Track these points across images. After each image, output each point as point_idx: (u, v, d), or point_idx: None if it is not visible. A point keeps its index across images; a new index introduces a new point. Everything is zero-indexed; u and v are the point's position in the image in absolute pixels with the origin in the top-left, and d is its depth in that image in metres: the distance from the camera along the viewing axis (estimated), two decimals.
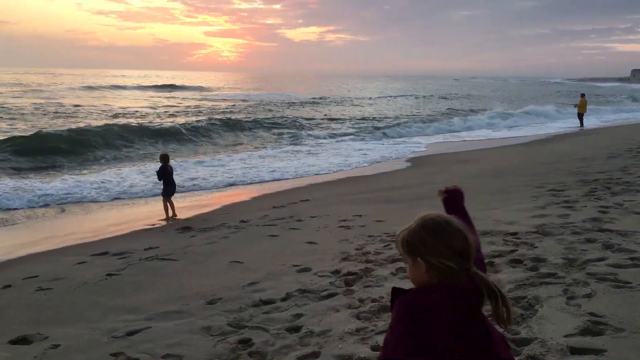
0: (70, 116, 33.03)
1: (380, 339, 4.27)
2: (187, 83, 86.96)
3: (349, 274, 6.09)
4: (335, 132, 29.03)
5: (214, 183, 15.24)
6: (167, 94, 61.85)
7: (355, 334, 4.42)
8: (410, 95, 68.81)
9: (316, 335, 4.49)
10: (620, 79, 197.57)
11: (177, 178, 12.30)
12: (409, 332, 1.77)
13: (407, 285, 2.06)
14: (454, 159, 18.76)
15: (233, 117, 32.67)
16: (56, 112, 34.58)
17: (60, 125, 26.99)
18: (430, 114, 40.22)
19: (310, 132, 28.65)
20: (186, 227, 9.76)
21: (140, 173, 16.12)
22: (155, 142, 24.00)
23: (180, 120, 31.50)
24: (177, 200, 11.92)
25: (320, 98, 55.94)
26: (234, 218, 10.34)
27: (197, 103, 48.55)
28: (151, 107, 41.67)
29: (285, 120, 32.72)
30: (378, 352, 3.98)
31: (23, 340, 4.84)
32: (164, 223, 10.64)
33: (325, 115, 38.87)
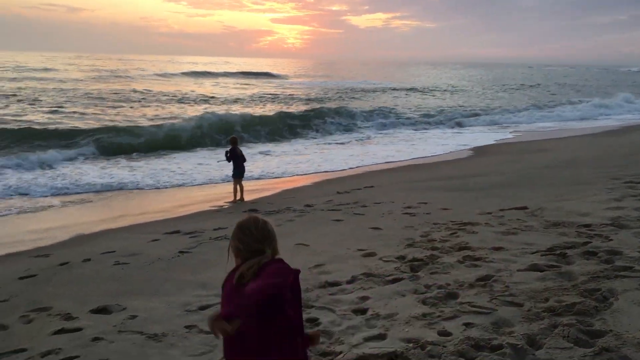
0: (225, 102, 34.99)
1: (447, 325, 4.26)
2: (265, 70, 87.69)
3: (415, 260, 6.07)
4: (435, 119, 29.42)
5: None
6: (262, 82, 62.92)
7: (421, 319, 4.41)
8: (504, 85, 65.87)
9: (382, 318, 4.53)
10: None
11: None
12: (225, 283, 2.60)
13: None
14: (528, 149, 18.19)
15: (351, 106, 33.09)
16: (204, 100, 36.34)
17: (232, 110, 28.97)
18: (536, 102, 39.42)
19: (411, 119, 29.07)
20: (253, 209, 9.98)
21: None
22: (303, 127, 24.89)
23: (302, 107, 32.67)
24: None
25: (411, 89, 54.09)
26: (299, 202, 10.48)
27: (300, 91, 49.53)
28: (275, 94, 43.01)
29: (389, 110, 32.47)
30: (445, 337, 3.98)
31: (103, 310, 5.14)
32: (231, 204, 10.94)
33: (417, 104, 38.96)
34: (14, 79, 43.98)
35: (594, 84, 72.59)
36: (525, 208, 8.45)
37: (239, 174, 11.41)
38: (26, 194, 11.72)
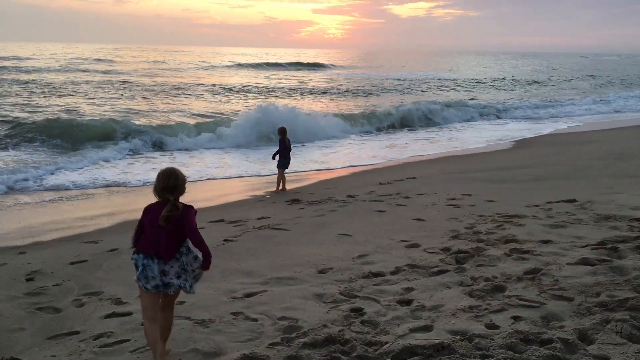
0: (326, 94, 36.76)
1: (495, 318, 4.19)
2: (315, 61, 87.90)
3: (460, 252, 5.99)
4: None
5: None
6: (326, 73, 63.69)
7: (468, 311, 4.35)
8: (590, 76, 63.30)
9: (428, 310, 4.48)
10: None
11: None
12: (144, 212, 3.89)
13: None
14: (576, 140, 17.70)
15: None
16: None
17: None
18: None
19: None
20: (295, 199, 10.03)
21: None
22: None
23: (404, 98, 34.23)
24: None
25: (477, 81, 52.87)
26: (340, 193, 10.48)
27: (379, 81, 50.48)
28: (370, 87, 44.17)
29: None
30: (493, 330, 3.92)
31: None
32: (272, 194, 11.03)
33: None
34: (125, 77, 44.91)
35: None
36: (574, 201, 8.22)
37: (283, 164, 11.46)
38: None
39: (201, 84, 39.55)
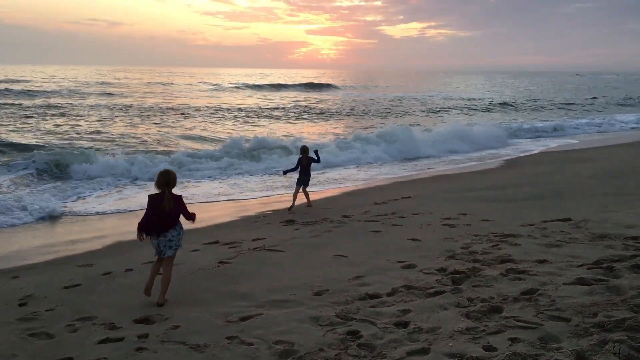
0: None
1: (492, 340, 4.16)
2: (323, 81, 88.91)
3: (456, 272, 5.97)
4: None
5: None
6: (338, 94, 64.71)
7: (465, 333, 4.32)
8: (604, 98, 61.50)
9: (425, 332, 4.45)
10: None
11: None
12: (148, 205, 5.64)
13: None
14: (568, 158, 17.80)
15: None
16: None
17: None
18: None
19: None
20: (290, 220, 10.01)
21: None
22: None
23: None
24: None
25: (503, 103, 52.24)
26: (336, 213, 10.47)
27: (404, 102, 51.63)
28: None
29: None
30: (491, 352, 3.89)
31: (146, 320, 5.20)
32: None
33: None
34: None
35: None
36: (569, 220, 8.23)
37: (300, 182, 11.73)
38: None
39: (262, 109, 40.26)
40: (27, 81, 61.69)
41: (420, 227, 8.56)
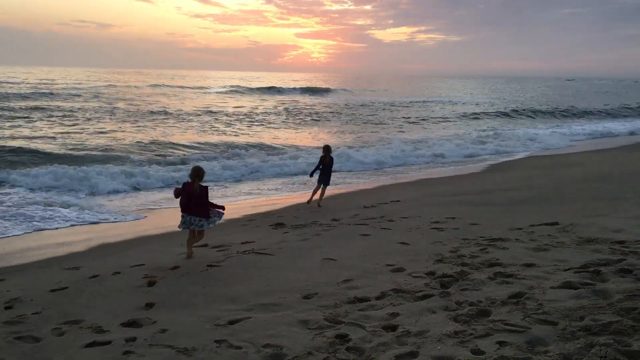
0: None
1: (480, 343, 4.18)
2: (317, 85, 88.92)
3: (445, 276, 5.99)
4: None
5: None
6: (343, 97, 65.14)
7: (453, 337, 4.34)
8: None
9: (413, 335, 4.46)
10: None
11: None
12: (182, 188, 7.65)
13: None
14: (558, 162, 17.93)
15: None
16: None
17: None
18: None
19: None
20: (279, 223, 10.00)
21: None
22: None
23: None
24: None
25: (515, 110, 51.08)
26: (325, 216, 10.48)
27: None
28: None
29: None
30: (478, 356, 3.91)
31: (134, 324, 5.16)
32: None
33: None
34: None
35: None
36: (556, 224, 8.30)
37: (321, 180, 12.18)
38: None
39: (272, 112, 40.29)
40: (18, 83, 61.19)
41: (409, 231, 8.59)
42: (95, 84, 70.53)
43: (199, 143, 23.93)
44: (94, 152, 20.21)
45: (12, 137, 22.96)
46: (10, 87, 52.69)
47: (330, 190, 14.50)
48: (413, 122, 38.23)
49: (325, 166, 12.09)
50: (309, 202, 11.92)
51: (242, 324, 4.95)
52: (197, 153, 21.09)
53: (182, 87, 73.51)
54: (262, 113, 40.91)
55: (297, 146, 24.15)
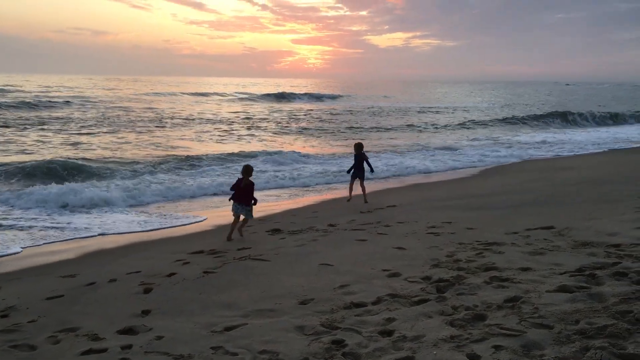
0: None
1: (476, 347, 4.19)
2: (323, 91, 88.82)
3: (441, 280, 6.00)
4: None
5: None
6: (350, 102, 65.42)
7: (449, 341, 4.34)
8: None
9: (409, 340, 4.46)
10: None
11: None
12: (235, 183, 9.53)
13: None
14: (553, 166, 17.98)
15: None
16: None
17: None
18: None
19: None
20: (276, 229, 10.00)
21: None
22: None
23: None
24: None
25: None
26: (321, 221, 10.48)
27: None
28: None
29: None
30: None
31: (130, 331, 5.15)
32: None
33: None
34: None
35: None
36: (552, 227, 8.32)
37: (354, 176, 13.10)
38: None
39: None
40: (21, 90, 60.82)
41: (406, 236, 8.60)
42: (116, 92, 69.93)
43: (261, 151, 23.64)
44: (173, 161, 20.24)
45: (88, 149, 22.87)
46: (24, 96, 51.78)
47: (329, 195, 14.52)
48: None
49: (357, 162, 13.00)
50: (348, 200, 12.91)
51: (239, 330, 4.95)
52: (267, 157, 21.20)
53: (198, 93, 73.50)
54: (291, 119, 41.20)
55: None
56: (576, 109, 52.17)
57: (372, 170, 13.32)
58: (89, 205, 12.70)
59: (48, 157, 19.08)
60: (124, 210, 12.56)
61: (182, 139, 27.73)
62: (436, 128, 37.63)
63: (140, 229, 10.81)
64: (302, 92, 78.11)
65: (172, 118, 38.26)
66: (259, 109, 50.79)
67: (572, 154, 22.40)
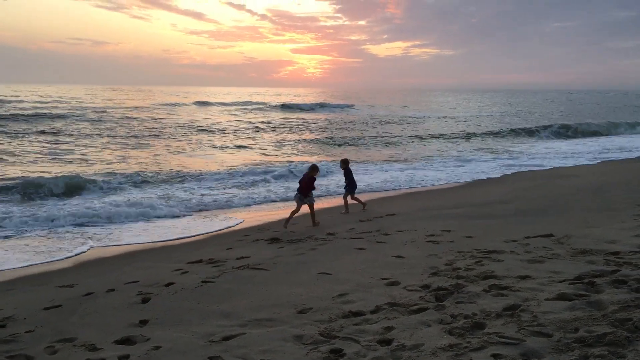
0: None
1: (474, 356, 4.17)
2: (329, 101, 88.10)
3: (440, 289, 5.98)
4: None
5: None
6: (366, 112, 64.39)
7: (448, 350, 4.32)
8: None
9: (408, 349, 4.44)
10: None
11: None
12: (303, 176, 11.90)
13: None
14: (554, 174, 17.98)
15: None
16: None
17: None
18: None
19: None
20: (275, 238, 9.99)
21: None
22: None
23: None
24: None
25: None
26: (320, 230, 10.47)
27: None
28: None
29: None
30: None
31: (127, 341, 5.13)
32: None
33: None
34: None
35: None
36: (551, 235, 8.31)
37: (348, 190, 13.43)
38: None
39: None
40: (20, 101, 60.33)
41: (405, 244, 8.59)
42: (131, 102, 69.15)
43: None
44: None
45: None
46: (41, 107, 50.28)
47: (328, 204, 14.52)
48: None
49: (349, 176, 13.41)
50: (346, 212, 12.98)
51: (236, 339, 4.92)
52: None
53: (224, 103, 72.44)
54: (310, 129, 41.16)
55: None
56: (591, 118, 51.51)
57: (347, 186, 13.44)
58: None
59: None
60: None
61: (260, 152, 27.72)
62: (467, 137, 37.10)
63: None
64: (314, 102, 76.96)
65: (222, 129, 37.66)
66: (281, 118, 50.31)
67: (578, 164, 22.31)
